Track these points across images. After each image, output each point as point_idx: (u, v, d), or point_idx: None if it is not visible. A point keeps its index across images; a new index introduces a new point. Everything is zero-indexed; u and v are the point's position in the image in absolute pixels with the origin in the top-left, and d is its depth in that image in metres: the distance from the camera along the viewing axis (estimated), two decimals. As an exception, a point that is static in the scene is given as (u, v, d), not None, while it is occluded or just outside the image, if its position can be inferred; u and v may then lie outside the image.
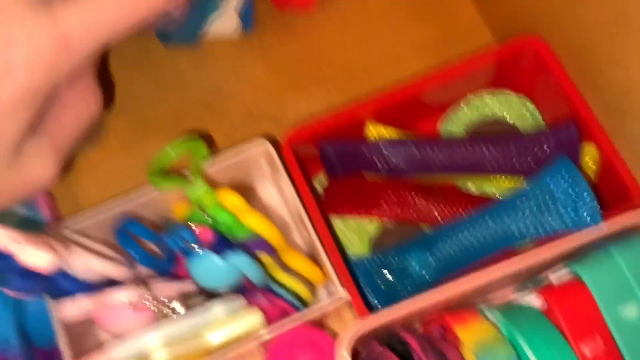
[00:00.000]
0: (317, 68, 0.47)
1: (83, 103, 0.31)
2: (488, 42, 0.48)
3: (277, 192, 0.44)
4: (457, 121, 0.45)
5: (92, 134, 0.44)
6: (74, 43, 0.27)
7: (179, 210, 0.37)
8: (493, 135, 0.42)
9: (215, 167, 0.39)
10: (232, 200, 0.35)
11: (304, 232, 0.40)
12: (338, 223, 0.44)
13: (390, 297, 0.40)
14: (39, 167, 0.30)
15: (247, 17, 0.46)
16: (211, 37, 0.47)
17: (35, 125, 0.29)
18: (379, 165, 0.42)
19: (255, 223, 0.36)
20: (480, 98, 0.45)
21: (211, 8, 0.43)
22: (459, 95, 0.45)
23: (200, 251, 0.35)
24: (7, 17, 0.26)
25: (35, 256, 0.31)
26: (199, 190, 0.35)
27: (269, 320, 0.37)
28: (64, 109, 0.31)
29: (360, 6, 0.49)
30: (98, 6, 0.27)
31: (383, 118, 0.43)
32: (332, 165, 0.43)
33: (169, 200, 0.38)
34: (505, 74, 0.44)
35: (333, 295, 0.37)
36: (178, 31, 0.44)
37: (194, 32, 0.45)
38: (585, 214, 0.36)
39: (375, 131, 0.43)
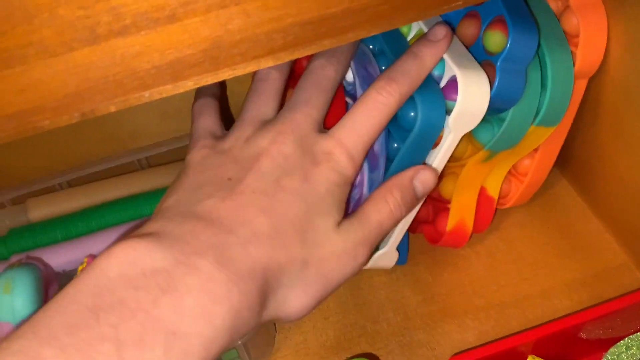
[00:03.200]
0: (469, 300, 0.50)
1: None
2: (638, 281, 0.50)
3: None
4: None
5: (266, 348, 0.48)
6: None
7: None
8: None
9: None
10: None
11: None
12: None
13: None
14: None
15: (404, 252, 0.51)
16: (369, 268, 0.52)
17: None
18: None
19: None
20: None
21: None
22: (620, 333, 0.45)
23: None
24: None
25: None
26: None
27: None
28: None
29: (507, 245, 0.53)
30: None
31: (541, 352, 0.44)
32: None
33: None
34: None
35: None
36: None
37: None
38: None
39: (536, 366, 0.44)
